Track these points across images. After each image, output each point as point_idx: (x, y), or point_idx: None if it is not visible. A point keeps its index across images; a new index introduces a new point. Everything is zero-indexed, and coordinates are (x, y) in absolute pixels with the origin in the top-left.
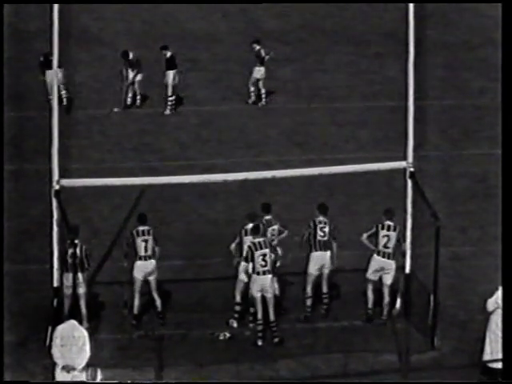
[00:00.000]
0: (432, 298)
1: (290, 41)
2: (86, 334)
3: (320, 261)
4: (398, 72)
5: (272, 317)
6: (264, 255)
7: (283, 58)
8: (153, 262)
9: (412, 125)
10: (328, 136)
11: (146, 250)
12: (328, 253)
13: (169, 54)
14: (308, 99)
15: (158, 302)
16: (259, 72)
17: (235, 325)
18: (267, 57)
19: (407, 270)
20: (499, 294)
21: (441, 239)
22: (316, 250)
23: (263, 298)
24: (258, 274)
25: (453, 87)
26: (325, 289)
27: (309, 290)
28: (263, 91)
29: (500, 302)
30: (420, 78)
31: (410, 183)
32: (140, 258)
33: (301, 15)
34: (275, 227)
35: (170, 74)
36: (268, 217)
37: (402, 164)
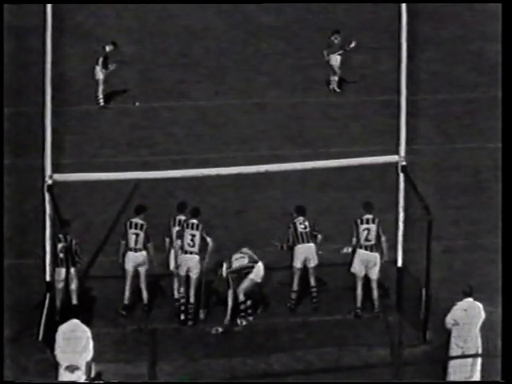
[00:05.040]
0: (424, 291)
1: (283, 35)
2: (88, 333)
3: (304, 253)
4: (391, 66)
5: (192, 299)
6: (193, 235)
7: (277, 52)
8: (143, 253)
9: (405, 119)
10: (321, 130)
11: (136, 243)
12: (312, 245)
13: None
14: (302, 93)
15: (145, 295)
16: (338, 60)
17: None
18: (351, 45)
19: (399, 263)
20: (455, 310)
21: (433, 233)
22: (299, 243)
23: (188, 278)
24: (186, 252)
25: (445, 81)
26: (312, 282)
27: (295, 284)
28: (336, 79)
29: (457, 319)
30: (413, 72)
31: (402, 177)
32: (130, 250)
33: (295, 10)
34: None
35: None
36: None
37: (394, 158)
